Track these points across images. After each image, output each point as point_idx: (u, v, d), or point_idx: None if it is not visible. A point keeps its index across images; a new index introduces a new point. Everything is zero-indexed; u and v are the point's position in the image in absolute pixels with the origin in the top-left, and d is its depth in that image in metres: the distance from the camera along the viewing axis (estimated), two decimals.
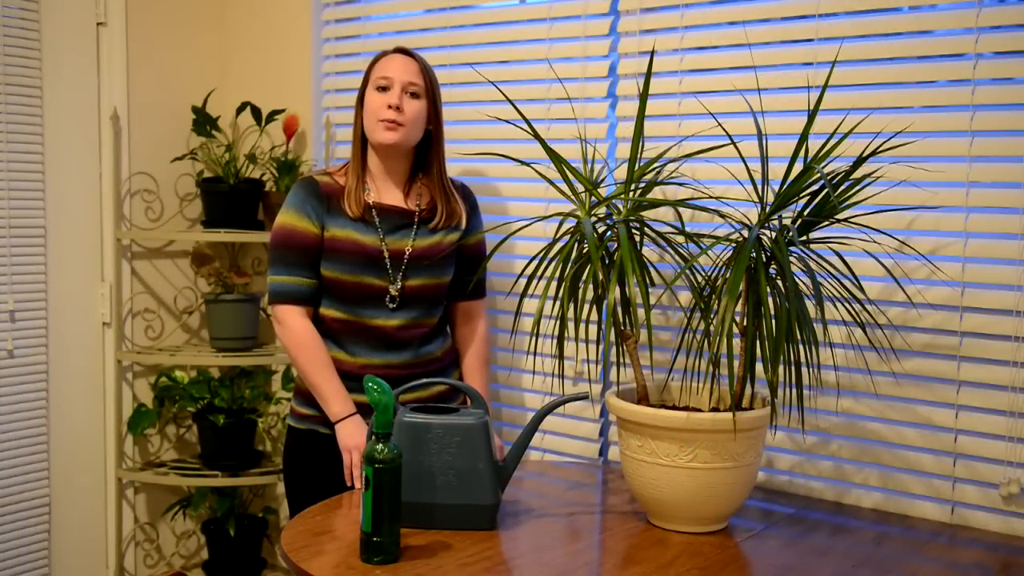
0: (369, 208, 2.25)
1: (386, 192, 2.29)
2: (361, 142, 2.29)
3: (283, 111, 3.05)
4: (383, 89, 2.22)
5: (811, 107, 1.89)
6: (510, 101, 2.09)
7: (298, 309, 2.23)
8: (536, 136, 2.03)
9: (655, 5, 2.34)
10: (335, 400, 2.20)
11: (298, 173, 2.99)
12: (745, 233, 1.87)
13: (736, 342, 1.82)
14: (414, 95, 2.23)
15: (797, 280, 1.81)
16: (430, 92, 2.27)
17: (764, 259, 1.84)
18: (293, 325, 2.22)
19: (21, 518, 2.85)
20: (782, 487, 2.23)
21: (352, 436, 2.16)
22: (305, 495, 2.19)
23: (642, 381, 1.99)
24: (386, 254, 2.24)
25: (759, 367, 1.82)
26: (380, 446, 1.69)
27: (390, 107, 2.20)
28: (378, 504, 1.67)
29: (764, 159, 1.93)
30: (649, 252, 2.21)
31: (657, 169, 2.12)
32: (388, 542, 1.68)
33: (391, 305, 2.25)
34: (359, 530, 1.70)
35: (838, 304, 1.96)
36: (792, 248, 1.84)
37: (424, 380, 1.99)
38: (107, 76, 3.00)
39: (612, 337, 2.01)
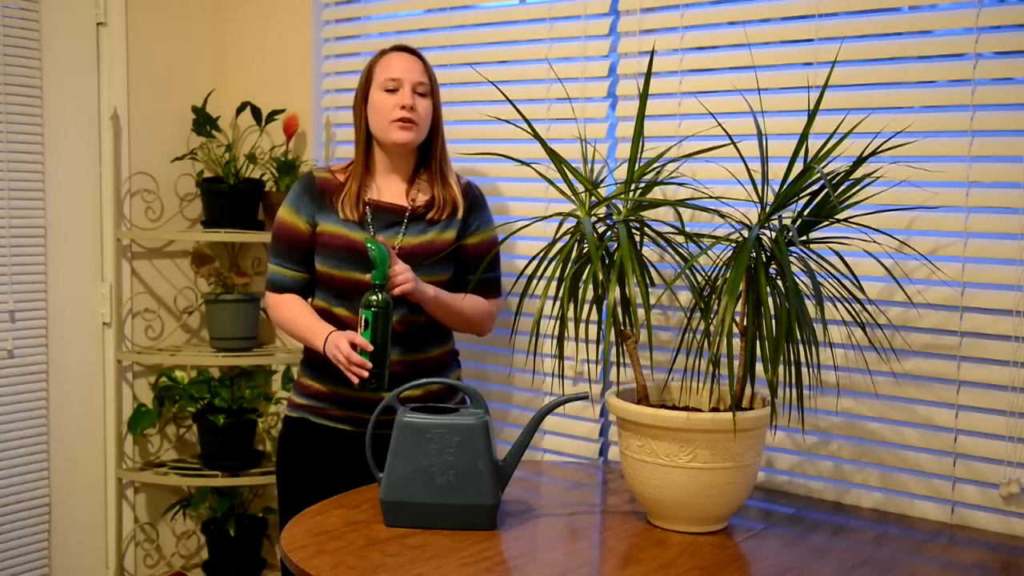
0: (365, 205, 2.26)
1: (387, 189, 2.30)
2: (366, 143, 2.31)
3: (283, 111, 3.06)
4: (392, 91, 2.24)
5: (811, 107, 1.89)
6: (510, 101, 2.09)
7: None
8: (536, 136, 2.03)
9: (655, 5, 2.34)
10: (318, 330, 2.18)
11: (298, 173, 2.99)
12: (745, 233, 1.87)
13: (736, 342, 1.82)
14: (422, 94, 2.27)
15: (797, 280, 1.81)
16: (434, 89, 2.31)
17: (764, 259, 1.84)
18: (278, 298, 2.30)
19: (21, 518, 2.85)
20: (782, 487, 2.23)
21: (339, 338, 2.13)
22: (295, 484, 2.19)
23: (642, 381, 1.99)
24: None
25: (759, 367, 1.82)
26: (377, 295, 2.06)
27: (404, 107, 2.22)
28: (374, 341, 2.06)
29: (764, 159, 1.93)
30: (649, 252, 2.21)
31: (657, 169, 2.12)
32: (381, 372, 2.08)
33: None
34: (359, 529, 1.70)
35: (838, 304, 1.96)
36: (792, 248, 1.84)
37: (424, 380, 1.99)
38: (107, 76, 3.00)
39: (612, 337, 2.00)
